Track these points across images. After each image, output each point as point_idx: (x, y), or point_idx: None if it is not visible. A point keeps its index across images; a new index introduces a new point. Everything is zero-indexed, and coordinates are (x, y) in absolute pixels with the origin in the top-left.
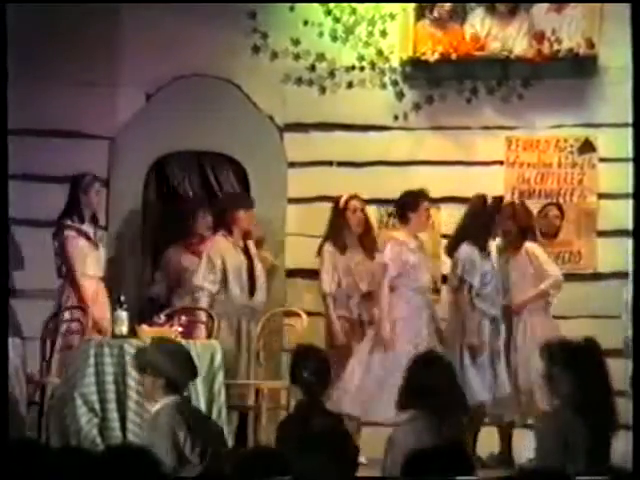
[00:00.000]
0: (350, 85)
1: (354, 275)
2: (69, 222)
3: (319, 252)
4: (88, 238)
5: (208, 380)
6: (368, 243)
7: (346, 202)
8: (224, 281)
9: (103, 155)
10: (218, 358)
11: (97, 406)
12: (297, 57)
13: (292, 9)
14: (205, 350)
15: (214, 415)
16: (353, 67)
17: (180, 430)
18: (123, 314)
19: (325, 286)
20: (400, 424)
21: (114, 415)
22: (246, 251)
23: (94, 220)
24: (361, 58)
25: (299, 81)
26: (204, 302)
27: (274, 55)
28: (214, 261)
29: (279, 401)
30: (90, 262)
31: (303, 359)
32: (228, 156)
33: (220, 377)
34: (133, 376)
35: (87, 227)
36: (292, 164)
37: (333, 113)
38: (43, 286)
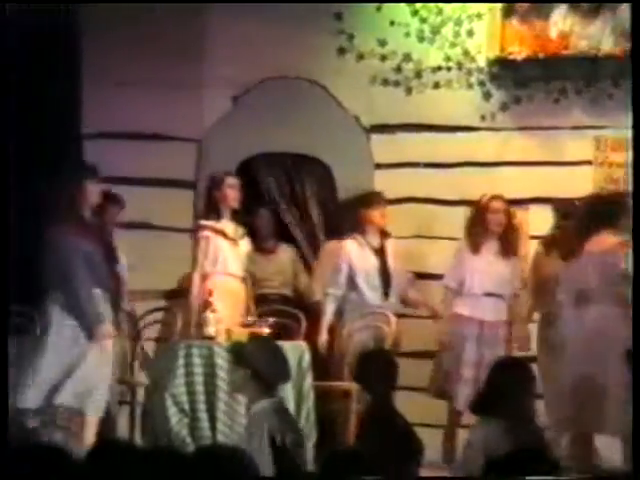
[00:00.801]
0: (437, 86)
1: (484, 275)
2: (204, 222)
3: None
4: (226, 236)
5: (297, 382)
6: (507, 245)
7: (487, 203)
8: (353, 284)
9: (190, 158)
10: (306, 359)
11: (187, 407)
12: (383, 58)
13: (379, 10)
14: (293, 351)
15: (303, 417)
16: (439, 67)
17: (277, 433)
18: (211, 316)
19: (446, 280)
20: (476, 426)
21: (204, 415)
22: (381, 251)
23: (233, 217)
24: (448, 58)
25: (385, 82)
26: (330, 307)
27: (360, 56)
28: (340, 266)
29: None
30: (228, 261)
31: (369, 362)
32: (314, 158)
33: (308, 379)
34: (222, 377)
35: (225, 225)
36: (379, 165)
37: (419, 114)
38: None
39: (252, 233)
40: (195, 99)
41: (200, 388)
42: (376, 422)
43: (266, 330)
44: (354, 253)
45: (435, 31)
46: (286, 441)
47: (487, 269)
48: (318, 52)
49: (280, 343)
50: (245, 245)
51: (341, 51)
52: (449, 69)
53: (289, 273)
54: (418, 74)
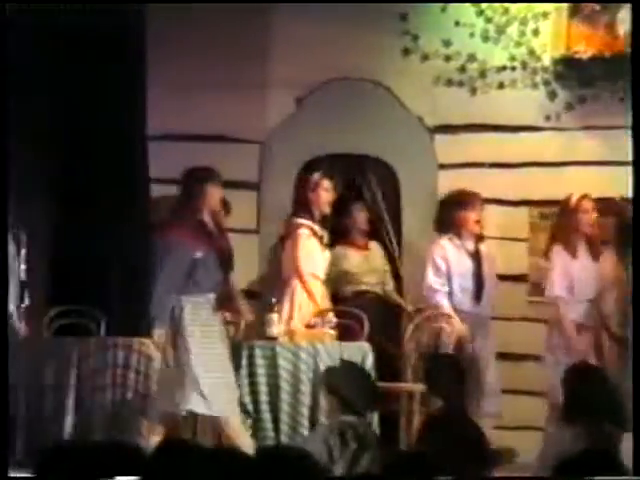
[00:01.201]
0: (501, 86)
1: (582, 279)
2: (302, 220)
3: (546, 254)
4: (317, 237)
5: None
6: (594, 246)
7: (578, 203)
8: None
9: (253, 159)
10: (369, 360)
11: (250, 407)
12: (448, 58)
13: (444, 10)
14: (356, 352)
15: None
16: (504, 67)
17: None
18: (274, 316)
19: (557, 290)
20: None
21: (267, 416)
22: (476, 255)
23: (323, 220)
24: (512, 58)
25: (449, 82)
26: (445, 303)
27: (425, 57)
28: (438, 264)
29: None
30: (317, 262)
31: (439, 365)
32: (378, 159)
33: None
34: (285, 378)
35: (317, 227)
36: (442, 166)
37: (484, 114)
38: None
39: (344, 230)
40: (259, 100)
41: (263, 389)
42: (445, 426)
43: (330, 331)
44: (450, 253)
45: (500, 31)
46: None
47: (584, 273)
48: (382, 53)
49: (343, 344)
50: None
51: (405, 52)
52: (514, 69)
53: (381, 271)
54: (482, 74)
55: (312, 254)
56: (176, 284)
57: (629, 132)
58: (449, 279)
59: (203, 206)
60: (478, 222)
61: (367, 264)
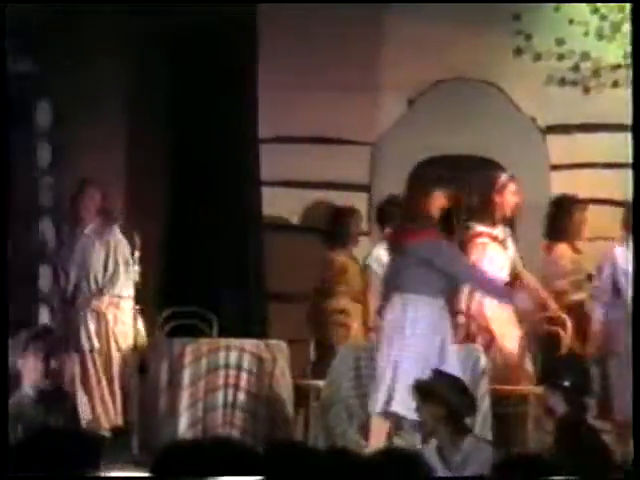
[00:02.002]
0: (615, 84)
1: None
2: (481, 228)
3: None
4: (497, 240)
5: (471, 386)
6: None
7: None
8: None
9: (364, 161)
10: (481, 363)
11: (359, 410)
12: (561, 57)
13: (557, 9)
14: (467, 355)
15: (478, 422)
16: (619, 65)
17: None
18: None
19: None
20: None
21: None
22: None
23: (504, 221)
24: (627, 56)
25: (562, 82)
26: (600, 312)
27: (537, 56)
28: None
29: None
30: (497, 265)
31: (565, 367)
32: (489, 159)
33: (483, 383)
34: None
35: (497, 229)
36: (555, 167)
37: (597, 113)
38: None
39: None
40: (370, 102)
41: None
42: (566, 430)
43: None
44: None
45: (615, 28)
46: None
47: None
48: (494, 53)
49: (456, 346)
50: (511, 247)
51: (518, 51)
52: (629, 67)
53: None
54: (596, 73)
55: (494, 261)
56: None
57: None
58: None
59: (432, 210)
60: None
61: None
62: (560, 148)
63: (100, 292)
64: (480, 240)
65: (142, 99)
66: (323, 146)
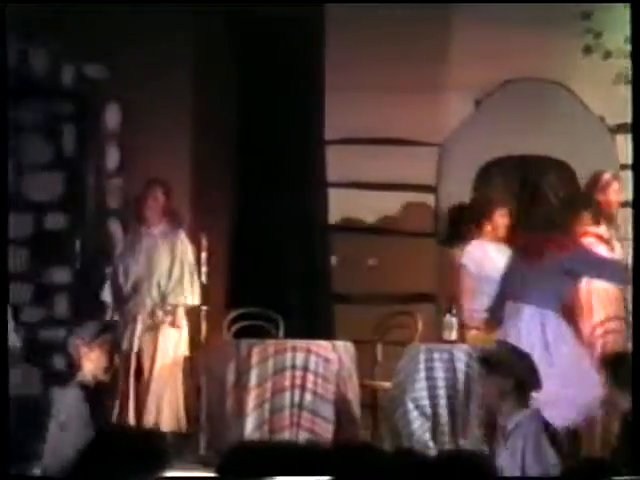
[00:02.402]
0: None
1: None
2: (591, 228)
3: None
4: (602, 240)
5: None
6: None
7: None
8: None
9: (431, 162)
10: None
11: (428, 410)
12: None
13: (627, 7)
14: None
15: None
16: None
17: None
18: (452, 320)
19: None
20: None
21: (445, 419)
22: None
23: (608, 219)
24: None
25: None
26: None
27: (607, 55)
28: None
29: None
30: None
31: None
32: (558, 160)
33: None
34: (463, 381)
35: (602, 228)
36: (624, 167)
37: None
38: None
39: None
40: (437, 103)
41: (441, 392)
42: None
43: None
44: None
45: None
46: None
47: None
48: (563, 52)
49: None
50: (617, 246)
51: (587, 50)
52: None
53: None
54: None
55: None
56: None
57: None
58: None
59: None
60: None
61: None
62: (630, 148)
63: (164, 293)
64: (586, 239)
65: (209, 100)
66: (389, 147)
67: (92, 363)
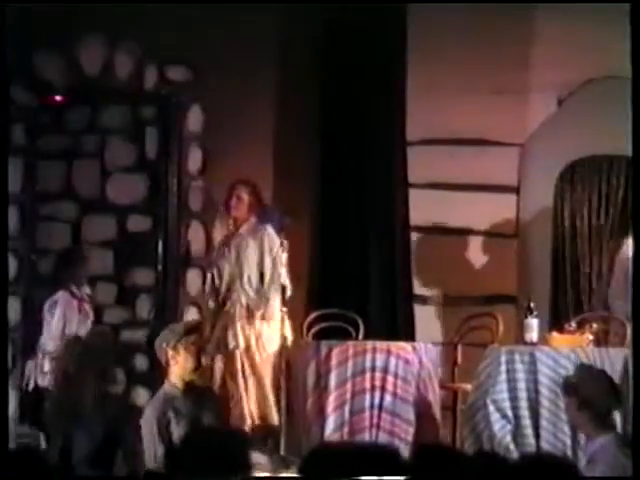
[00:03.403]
0: None
1: None
2: None
3: None
4: None
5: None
6: None
7: None
8: None
9: (513, 162)
10: (629, 367)
11: (510, 413)
12: None
13: None
14: (616, 357)
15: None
16: None
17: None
18: (533, 321)
19: None
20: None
21: (527, 422)
22: None
23: None
24: None
25: None
26: None
27: None
28: None
29: None
30: None
31: None
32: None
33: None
34: (544, 383)
35: None
36: None
37: None
38: (449, 293)
39: None
40: (520, 103)
41: (523, 394)
42: None
43: (589, 337)
44: None
45: None
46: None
47: None
48: None
49: (604, 349)
50: None
51: None
52: None
53: None
54: None
55: None
56: None
57: None
58: None
59: None
60: None
61: None
62: None
63: (253, 292)
64: None
65: (291, 101)
66: (472, 148)
67: (179, 365)
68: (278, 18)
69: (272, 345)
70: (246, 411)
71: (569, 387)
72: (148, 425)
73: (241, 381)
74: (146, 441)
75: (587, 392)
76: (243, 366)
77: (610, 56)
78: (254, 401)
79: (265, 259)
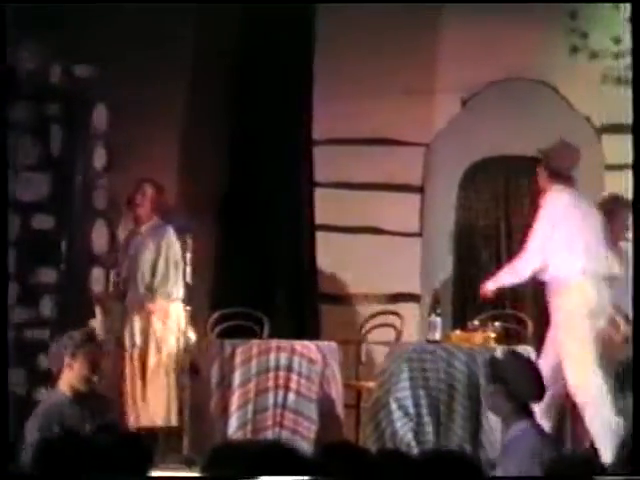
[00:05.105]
0: None
1: None
2: None
3: None
4: None
5: None
6: None
7: None
8: None
9: (417, 162)
10: None
11: (412, 410)
12: (617, 56)
13: (615, 7)
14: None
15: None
16: None
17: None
18: (437, 320)
19: None
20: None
21: (428, 419)
22: None
23: None
24: None
25: (618, 81)
26: None
27: (593, 55)
28: None
29: None
30: None
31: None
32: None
33: None
34: (446, 381)
35: None
36: (609, 167)
37: None
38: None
39: None
40: (426, 103)
41: (425, 392)
42: None
43: (490, 335)
44: None
45: None
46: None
47: None
48: (549, 52)
49: (505, 347)
50: None
51: (573, 50)
52: None
53: None
54: None
55: None
56: None
57: None
58: None
59: None
60: None
61: None
62: (615, 148)
63: (149, 292)
64: None
65: (197, 100)
66: (377, 147)
67: (74, 373)
68: (187, 18)
69: (169, 344)
70: (149, 411)
71: (497, 375)
72: (32, 437)
73: (139, 382)
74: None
75: (513, 380)
76: (143, 365)
77: (513, 58)
78: (153, 400)
79: (160, 259)
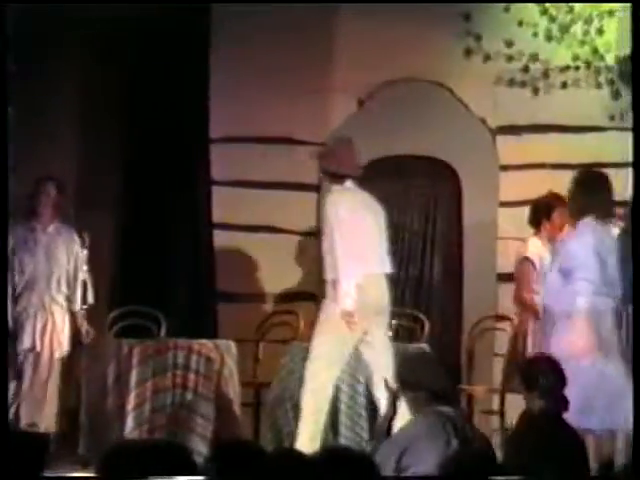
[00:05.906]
0: (564, 85)
1: None
2: None
3: None
4: None
5: None
6: None
7: None
8: None
9: (314, 161)
10: None
11: None
12: (510, 58)
13: (507, 10)
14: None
15: None
16: (568, 67)
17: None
18: None
19: None
20: None
21: (326, 418)
22: None
23: None
24: (576, 57)
25: (511, 82)
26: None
27: (487, 57)
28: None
29: (490, 406)
30: None
31: (540, 367)
32: (440, 160)
33: None
34: (345, 380)
35: None
36: (504, 167)
37: (546, 114)
38: (252, 291)
39: None
40: (323, 103)
41: None
42: (542, 431)
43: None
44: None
45: (564, 30)
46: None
47: None
48: (444, 54)
49: (402, 346)
50: None
51: (468, 52)
52: (577, 68)
53: None
54: (545, 74)
55: None
56: None
57: None
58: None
59: None
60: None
61: None
62: (509, 148)
63: (57, 293)
64: None
65: (96, 99)
66: (273, 146)
67: None
68: (81, 17)
69: (64, 344)
70: (43, 410)
71: (403, 378)
72: None
73: (31, 381)
74: None
75: (418, 374)
76: (35, 365)
77: (408, 58)
78: (47, 400)
79: (71, 260)
